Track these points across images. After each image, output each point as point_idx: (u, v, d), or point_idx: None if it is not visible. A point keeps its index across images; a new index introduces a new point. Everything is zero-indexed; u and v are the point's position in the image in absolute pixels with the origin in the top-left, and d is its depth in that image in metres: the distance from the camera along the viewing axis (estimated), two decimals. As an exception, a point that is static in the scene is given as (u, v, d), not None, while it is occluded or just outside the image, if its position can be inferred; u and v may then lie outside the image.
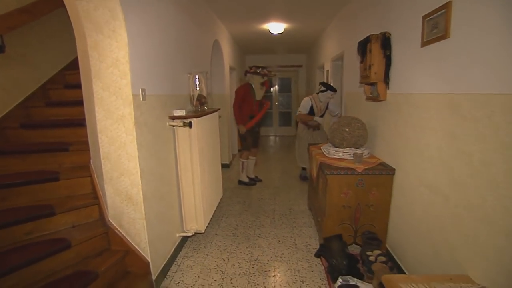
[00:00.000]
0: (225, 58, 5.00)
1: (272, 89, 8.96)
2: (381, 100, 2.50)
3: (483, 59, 1.34)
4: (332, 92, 3.97)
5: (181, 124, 2.27)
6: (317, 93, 4.14)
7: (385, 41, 2.34)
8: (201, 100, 2.71)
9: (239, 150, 6.28)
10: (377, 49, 2.38)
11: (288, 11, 4.15)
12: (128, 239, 2.00)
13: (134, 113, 1.76)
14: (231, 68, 5.69)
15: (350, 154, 2.61)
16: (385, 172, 2.31)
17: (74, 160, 2.27)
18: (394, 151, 2.32)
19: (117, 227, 2.00)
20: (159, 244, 2.18)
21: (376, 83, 2.46)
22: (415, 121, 1.98)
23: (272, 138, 9.02)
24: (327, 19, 4.52)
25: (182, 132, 2.36)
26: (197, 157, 2.44)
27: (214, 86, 4.88)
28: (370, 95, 2.71)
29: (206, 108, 2.78)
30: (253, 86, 4.08)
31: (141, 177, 1.87)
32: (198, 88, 2.68)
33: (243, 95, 4.02)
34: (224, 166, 5.18)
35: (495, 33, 1.28)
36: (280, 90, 9.10)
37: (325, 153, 2.78)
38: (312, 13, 4.22)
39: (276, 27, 4.76)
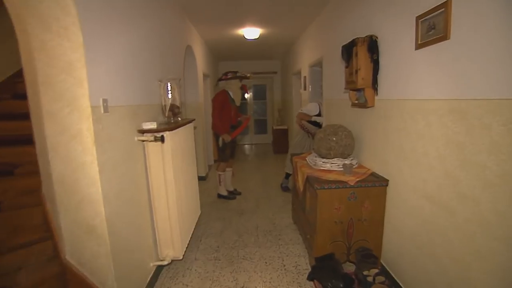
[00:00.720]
0: (199, 65, 4.74)
1: (247, 95, 8.77)
2: (369, 107, 2.37)
3: (492, 61, 1.22)
4: None
5: (152, 138, 1.97)
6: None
7: (372, 45, 2.22)
8: (174, 110, 2.43)
9: (215, 161, 6.00)
10: (364, 53, 2.25)
11: (264, 15, 3.99)
12: (91, 279, 1.66)
13: (93, 128, 1.46)
14: (204, 76, 5.42)
15: (338, 165, 2.44)
16: (378, 183, 2.16)
17: (22, 186, 1.90)
18: (386, 161, 2.18)
19: (76, 266, 1.65)
20: (130, 279, 1.86)
21: (364, 88, 2.32)
22: (410, 128, 1.84)
23: (247, 146, 8.80)
24: (305, 24, 4.42)
25: (154, 147, 2.07)
26: (171, 174, 2.16)
27: (188, 95, 4.59)
28: (356, 102, 2.58)
29: (179, 119, 2.50)
30: (231, 93, 3.86)
31: (104, 204, 1.56)
32: (170, 97, 2.40)
33: (222, 102, 3.79)
34: (200, 178, 4.87)
35: (502, 31, 1.15)
36: (254, 98, 8.94)
37: (311, 164, 2.60)
38: (289, 17, 4.10)
39: (251, 32, 4.58)
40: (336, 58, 3.15)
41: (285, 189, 4.40)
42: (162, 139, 1.98)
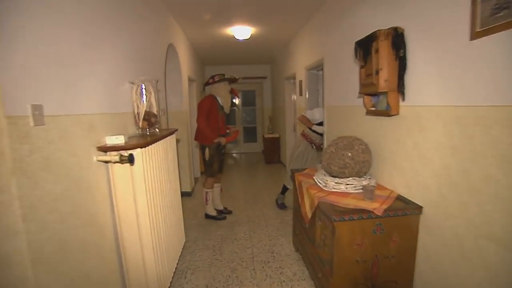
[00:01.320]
0: (183, 67, 4.23)
1: (236, 100, 8.27)
2: (393, 115, 1.93)
3: None
4: None
5: (117, 158, 1.46)
6: None
7: (398, 39, 1.80)
8: (150, 119, 1.92)
9: (201, 173, 5.47)
10: (387, 49, 1.82)
11: (257, 11, 3.55)
12: None
13: (12, 150, 0.94)
14: (190, 80, 4.92)
15: (355, 187, 1.99)
16: (410, 211, 1.72)
17: None
18: (419, 182, 1.74)
19: None
20: None
21: (387, 92, 1.89)
22: (460, 144, 1.41)
23: (236, 156, 8.30)
24: (302, 20, 3.99)
25: (120, 170, 1.55)
26: (144, 204, 1.64)
27: (170, 101, 4.07)
28: (373, 109, 2.15)
29: (157, 130, 1.99)
30: (219, 99, 3.40)
31: (33, 266, 1.03)
32: (145, 103, 1.89)
33: (209, 107, 3.32)
34: (185, 194, 4.35)
35: None
36: (243, 104, 8.47)
37: (320, 185, 2.13)
38: (284, 12, 3.67)
39: (242, 31, 4.13)
40: (343, 58, 2.73)
41: (281, 206, 3.91)
42: (130, 160, 1.46)
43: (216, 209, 3.69)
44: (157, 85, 1.95)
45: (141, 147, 1.56)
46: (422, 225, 1.73)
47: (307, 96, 4.20)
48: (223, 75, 3.44)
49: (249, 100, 8.50)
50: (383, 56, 1.84)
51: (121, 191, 1.59)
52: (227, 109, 3.49)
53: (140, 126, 1.90)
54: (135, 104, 1.89)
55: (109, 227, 1.59)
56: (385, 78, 1.85)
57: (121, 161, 1.45)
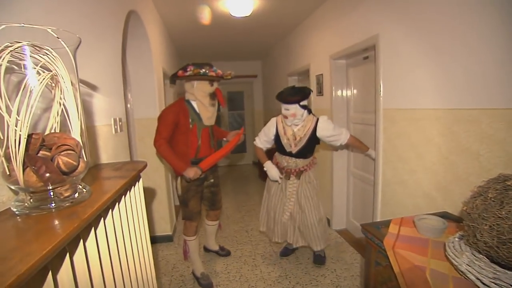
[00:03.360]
0: (154, 51, 2.88)
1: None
2: None
3: None
4: (285, 105, 2.27)
5: None
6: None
7: None
8: (52, 166, 0.61)
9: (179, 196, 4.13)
10: None
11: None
12: None
13: None
14: (166, 76, 3.57)
15: None
16: None
17: None
18: None
19: None
20: None
21: None
22: None
23: (222, 168, 6.96)
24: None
25: None
26: None
27: (136, 105, 2.72)
28: None
29: (85, 190, 0.67)
30: (194, 104, 2.11)
31: None
32: (30, 109, 0.58)
33: (175, 119, 2.04)
34: (164, 239, 3.04)
35: None
36: (229, 108, 7.18)
37: (477, 282, 0.91)
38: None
39: (240, 4, 2.87)
40: (437, 26, 1.55)
41: (283, 253, 2.74)
42: None
43: (208, 249, 2.57)
44: (75, 52, 0.65)
45: None
46: None
47: (333, 95, 3.01)
48: (201, 66, 2.03)
49: (236, 103, 7.21)
50: None
51: None
52: (207, 121, 2.14)
53: (22, 183, 0.59)
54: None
55: None
56: None
57: None
